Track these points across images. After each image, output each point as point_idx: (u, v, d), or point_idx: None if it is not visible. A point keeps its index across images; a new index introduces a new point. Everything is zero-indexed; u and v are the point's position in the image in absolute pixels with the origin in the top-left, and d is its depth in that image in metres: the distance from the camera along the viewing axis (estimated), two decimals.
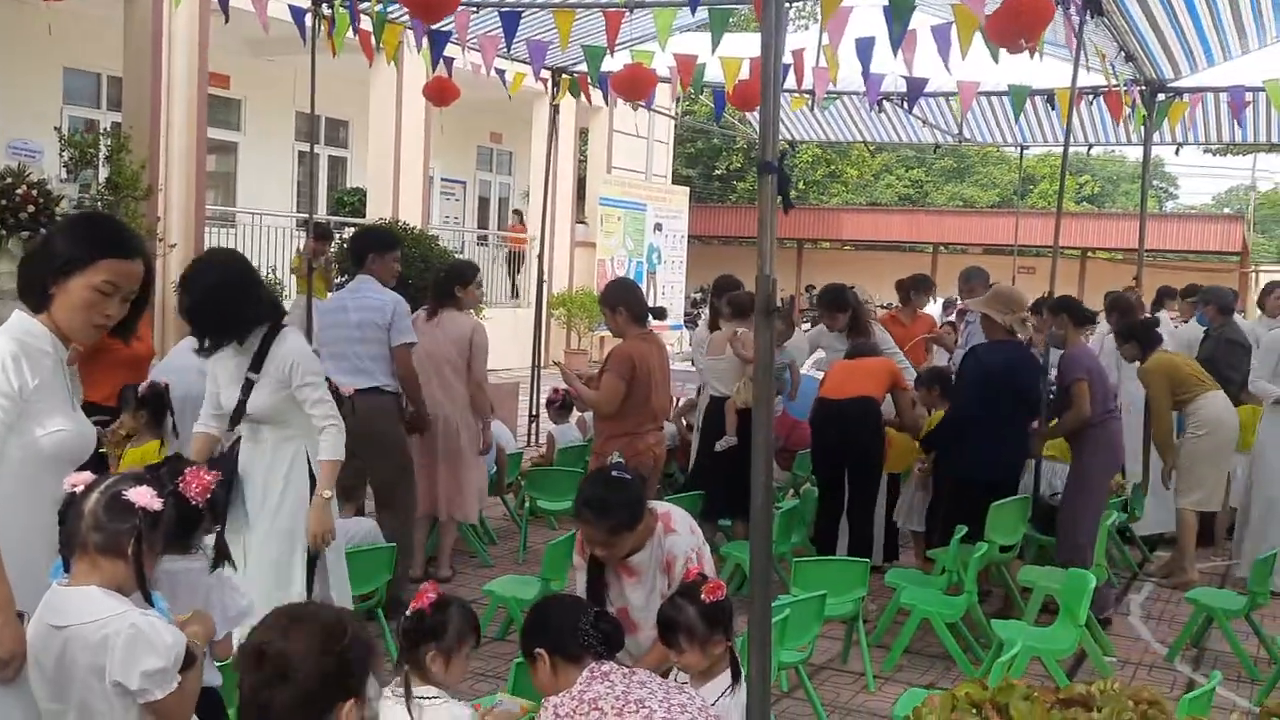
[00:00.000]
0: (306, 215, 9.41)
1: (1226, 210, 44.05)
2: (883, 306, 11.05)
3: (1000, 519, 5.66)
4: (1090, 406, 5.86)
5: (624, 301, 5.52)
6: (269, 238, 12.86)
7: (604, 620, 2.90)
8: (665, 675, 3.18)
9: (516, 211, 18.41)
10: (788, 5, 7.22)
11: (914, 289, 8.66)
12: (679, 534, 3.65)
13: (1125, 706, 1.84)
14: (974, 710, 1.86)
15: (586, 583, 3.73)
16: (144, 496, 2.20)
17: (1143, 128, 9.00)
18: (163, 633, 2.11)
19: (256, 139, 15.22)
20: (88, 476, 2.27)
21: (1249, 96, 8.46)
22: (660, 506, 3.78)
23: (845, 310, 7.20)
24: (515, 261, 17.88)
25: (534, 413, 10.14)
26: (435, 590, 2.90)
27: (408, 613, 2.90)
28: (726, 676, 3.18)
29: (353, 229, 11.74)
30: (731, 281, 7.10)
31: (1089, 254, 28.52)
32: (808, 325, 16.42)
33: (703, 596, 3.17)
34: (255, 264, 11.39)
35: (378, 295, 5.61)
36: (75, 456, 2.56)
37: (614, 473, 3.66)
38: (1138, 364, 6.86)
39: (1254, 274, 25.94)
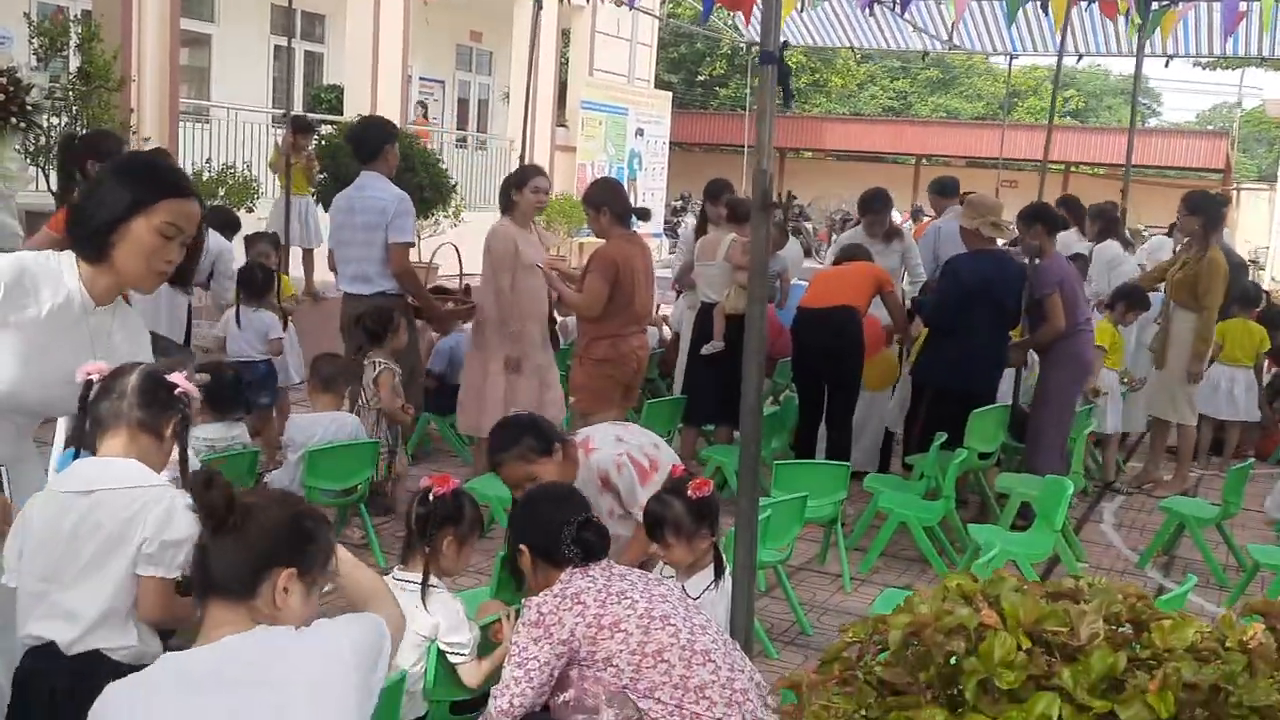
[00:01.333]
0: (283, 110, 9.20)
1: (1210, 127, 43.87)
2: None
3: (979, 427, 5.72)
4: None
5: (608, 202, 5.44)
6: (245, 133, 12.58)
7: (588, 529, 2.86)
8: (648, 570, 3.21)
9: (420, 103, 17.71)
10: None
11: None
12: (600, 449, 3.64)
13: (1115, 599, 1.85)
14: (965, 601, 1.86)
15: None
16: (185, 382, 2.29)
17: (1136, 35, 8.87)
18: (191, 521, 2.12)
19: (231, 31, 14.80)
20: (103, 366, 2.30)
21: (1243, 7, 8.34)
22: (580, 435, 3.77)
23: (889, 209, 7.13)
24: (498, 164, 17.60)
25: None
26: (452, 480, 3.02)
27: (429, 497, 2.94)
28: (710, 571, 3.22)
29: (331, 126, 11.52)
30: (724, 185, 7.00)
31: (1073, 168, 28.40)
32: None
33: (690, 493, 3.20)
34: (231, 161, 11.22)
35: (381, 194, 5.50)
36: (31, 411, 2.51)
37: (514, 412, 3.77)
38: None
39: (1235, 191, 25.93)
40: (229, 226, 6.59)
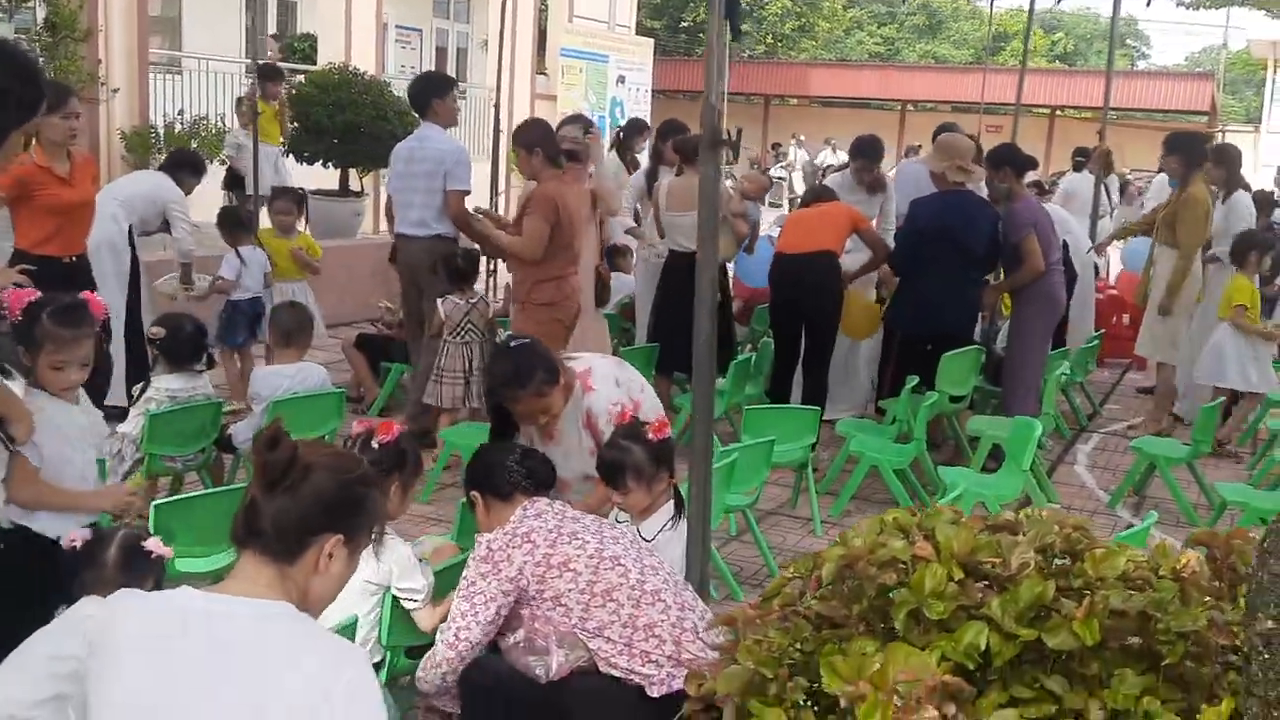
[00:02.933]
0: (254, 60, 9.05)
1: (1199, 70, 43.64)
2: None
3: (950, 370, 5.70)
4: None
5: (539, 142, 5.41)
6: (217, 84, 12.39)
7: (530, 457, 2.92)
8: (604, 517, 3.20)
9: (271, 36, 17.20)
10: None
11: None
12: (598, 390, 3.55)
13: (1050, 530, 1.84)
14: (901, 533, 1.85)
15: (490, 433, 3.65)
16: (159, 547, 2.52)
17: None
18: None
19: None
20: (86, 533, 2.51)
21: None
22: (581, 364, 3.66)
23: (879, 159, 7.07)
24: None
25: (492, 267, 10.02)
26: (394, 426, 3.03)
27: (372, 443, 2.93)
28: (667, 509, 3.21)
29: (303, 75, 11.35)
30: (675, 125, 6.92)
31: (1058, 112, 28.23)
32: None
33: (648, 435, 3.18)
34: (205, 113, 11.05)
35: (440, 144, 5.78)
36: None
37: (512, 343, 3.58)
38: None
39: (1220, 134, 25.82)
40: (185, 167, 6.39)
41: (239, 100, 8.54)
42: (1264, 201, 8.76)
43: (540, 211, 5.20)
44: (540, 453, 2.94)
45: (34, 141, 4.99)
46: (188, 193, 6.35)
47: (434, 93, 5.86)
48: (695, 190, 6.18)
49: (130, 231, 5.92)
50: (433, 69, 19.03)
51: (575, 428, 3.54)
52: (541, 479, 2.89)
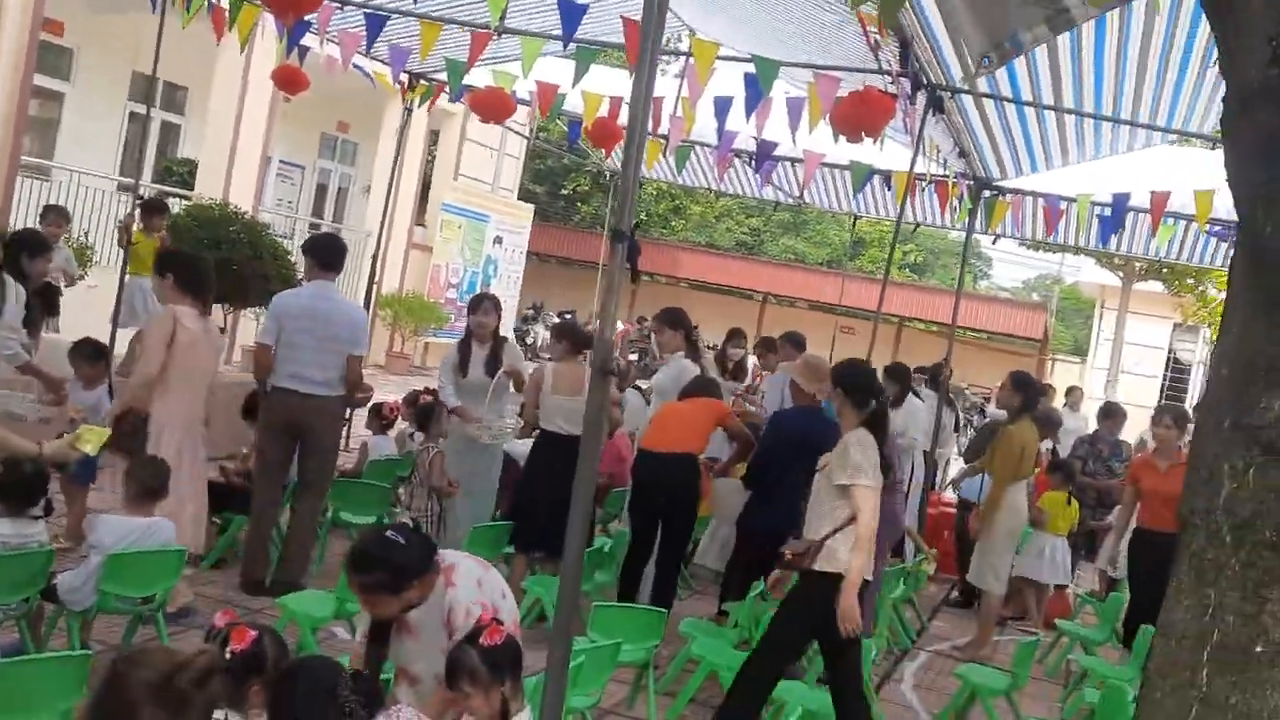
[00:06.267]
0: (131, 180, 8.96)
1: (1035, 295, 46.97)
2: (710, 347, 11.37)
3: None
4: None
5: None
6: (87, 198, 12.14)
7: (360, 681, 2.78)
8: None
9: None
10: (660, 58, 7.35)
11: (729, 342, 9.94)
12: (459, 587, 3.45)
13: None
14: None
15: (368, 630, 3.52)
16: None
17: (967, 218, 9.54)
18: None
19: (86, 93, 14.34)
20: None
21: (1064, 205, 9.10)
22: (448, 559, 3.56)
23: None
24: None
25: (347, 417, 9.90)
26: (246, 627, 2.89)
27: (228, 653, 2.81)
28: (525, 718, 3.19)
29: (179, 201, 11.24)
30: (568, 325, 7.27)
31: (906, 322, 29.91)
32: (635, 355, 16.50)
33: (482, 640, 3.15)
34: (71, 225, 10.81)
35: (350, 310, 6.30)
36: None
37: (389, 532, 3.44)
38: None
39: (1051, 361, 27.73)
40: (22, 248, 6.18)
41: (120, 228, 8.43)
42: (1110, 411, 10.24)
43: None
44: (366, 673, 2.82)
45: None
46: (34, 277, 6.17)
47: (342, 254, 6.30)
48: (582, 377, 6.42)
49: None
50: (310, 206, 19.12)
51: (435, 623, 3.48)
52: (377, 699, 2.78)
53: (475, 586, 3.50)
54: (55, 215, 8.82)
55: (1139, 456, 7.58)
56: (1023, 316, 29.28)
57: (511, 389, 6.95)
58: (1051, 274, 45.72)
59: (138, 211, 8.38)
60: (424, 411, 7.87)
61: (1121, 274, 24.22)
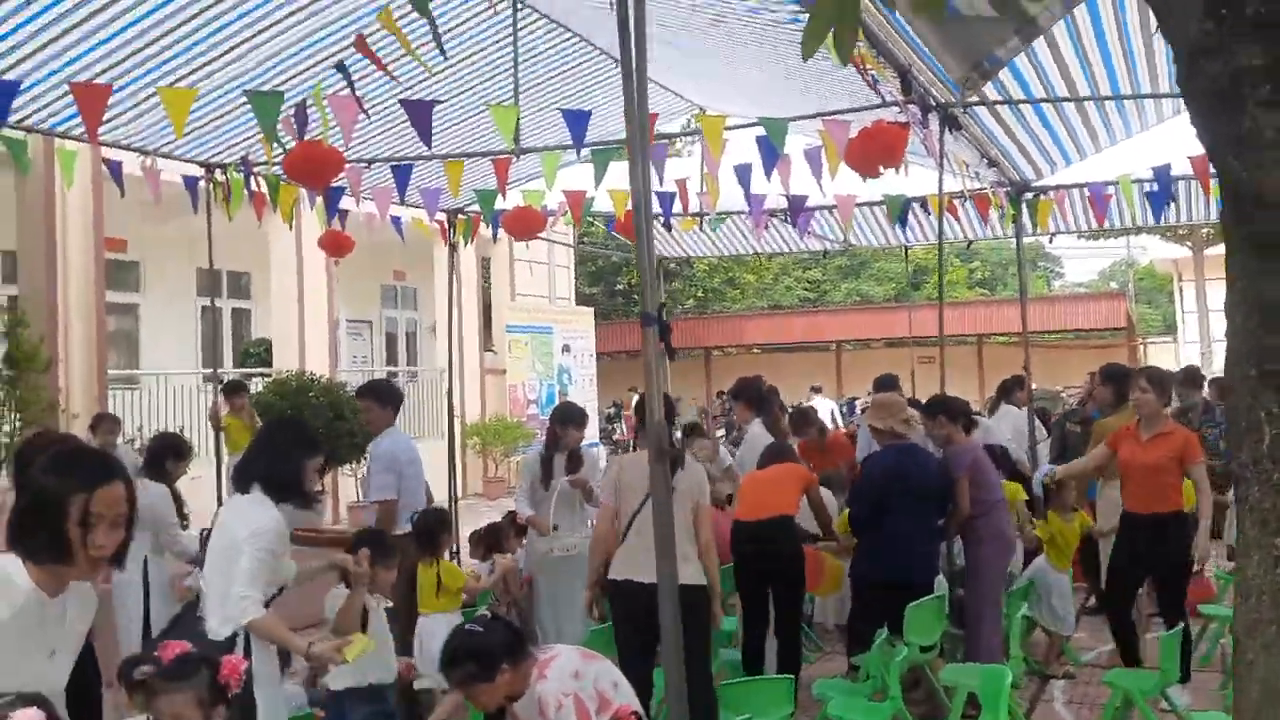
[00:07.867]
0: (212, 369, 9.39)
1: (1113, 284, 45.94)
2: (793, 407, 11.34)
3: (916, 619, 5.80)
4: (969, 501, 6.19)
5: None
6: (175, 396, 12.70)
7: None
8: None
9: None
10: (666, 142, 7.57)
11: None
12: (549, 679, 3.56)
13: None
14: None
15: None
16: None
17: (1012, 224, 9.49)
18: None
19: (157, 298, 15.12)
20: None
21: (1109, 191, 9.02)
22: (546, 652, 3.72)
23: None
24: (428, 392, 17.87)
25: (454, 549, 10.08)
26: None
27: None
28: None
29: (260, 380, 11.70)
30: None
31: (984, 339, 29.50)
32: (721, 432, 16.44)
33: None
34: (163, 425, 11.28)
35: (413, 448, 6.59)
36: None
37: (468, 625, 3.71)
38: None
39: (1142, 345, 27.04)
40: (167, 454, 6.43)
41: (210, 417, 8.79)
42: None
43: None
44: None
45: None
46: (176, 478, 6.44)
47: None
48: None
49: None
50: (384, 355, 19.67)
51: (532, 716, 3.56)
52: None
53: (571, 678, 3.60)
54: (108, 423, 9.05)
55: (1123, 427, 6.40)
56: (1102, 308, 28.65)
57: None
58: (1123, 259, 44.82)
59: (219, 397, 8.76)
60: (491, 533, 7.38)
61: (1190, 244, 23.69)
